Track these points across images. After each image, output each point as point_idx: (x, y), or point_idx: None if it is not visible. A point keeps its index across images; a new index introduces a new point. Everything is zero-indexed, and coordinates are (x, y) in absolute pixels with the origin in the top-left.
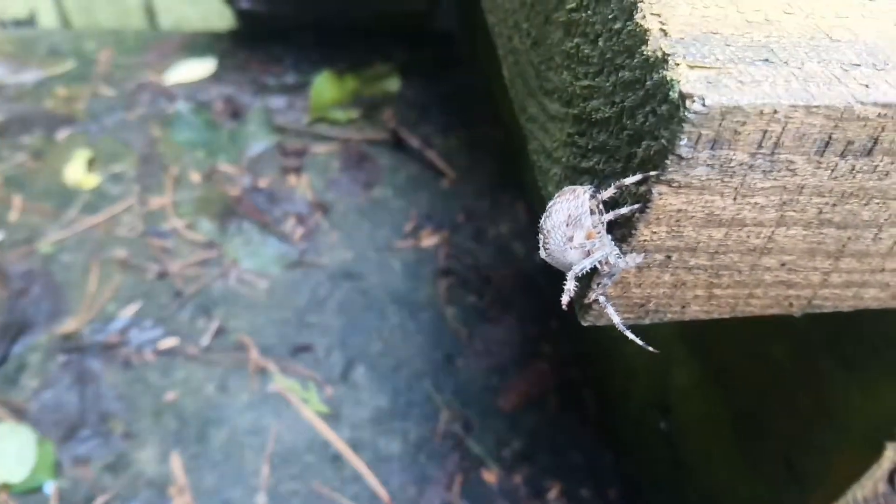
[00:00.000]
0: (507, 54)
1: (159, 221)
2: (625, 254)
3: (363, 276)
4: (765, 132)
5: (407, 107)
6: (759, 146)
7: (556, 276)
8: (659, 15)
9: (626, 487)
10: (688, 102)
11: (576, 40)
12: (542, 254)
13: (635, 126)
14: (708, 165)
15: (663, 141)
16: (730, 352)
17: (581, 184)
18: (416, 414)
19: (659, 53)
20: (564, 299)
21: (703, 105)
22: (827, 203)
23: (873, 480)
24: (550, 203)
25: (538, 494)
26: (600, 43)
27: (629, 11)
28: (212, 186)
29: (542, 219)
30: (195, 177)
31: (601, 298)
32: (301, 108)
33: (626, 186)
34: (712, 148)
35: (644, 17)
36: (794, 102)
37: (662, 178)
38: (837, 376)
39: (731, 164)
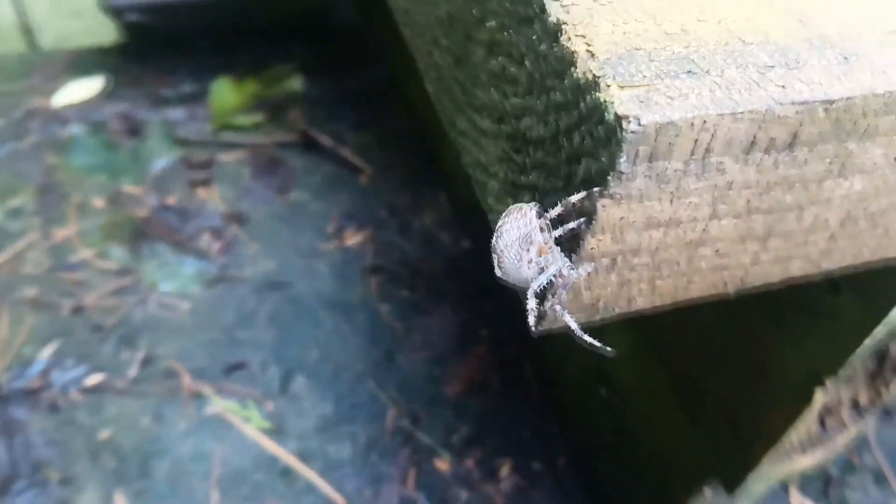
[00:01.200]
0: (429, 69)
1: (67, 254)
2: (575, 264)
3: (290, 284)
4: (696, 141)
5: (314, 106)
6: (692, 154)
7: (485, 261)
8: (584, 36)
9: (575, 456)
10: (624, 123)
11: (501, 60)
12: (498, 273)
13: (573, 146)
14: (646, 177)
15: (604, 160)
16: (664, 318)
17: (525, 200)
18: (363, 415)
19: (589, 76)
20: (531, 320)
21: (639, 125)
22: (754, 194)
23: (806, 424)
24: (499, 223)
25: (491, 474)
26: (527, 64)
27: (554, 34)
28: (118, 210)
29: (494, 239)
30: (99, 202)
31: (557, 307)
32: (203, 117)
33: (572, 203)
34: (649, 161)
35: (569, 39)
36: (721, 111)
37: (605, 192)
38: (768, 334)
39: (667, 173)
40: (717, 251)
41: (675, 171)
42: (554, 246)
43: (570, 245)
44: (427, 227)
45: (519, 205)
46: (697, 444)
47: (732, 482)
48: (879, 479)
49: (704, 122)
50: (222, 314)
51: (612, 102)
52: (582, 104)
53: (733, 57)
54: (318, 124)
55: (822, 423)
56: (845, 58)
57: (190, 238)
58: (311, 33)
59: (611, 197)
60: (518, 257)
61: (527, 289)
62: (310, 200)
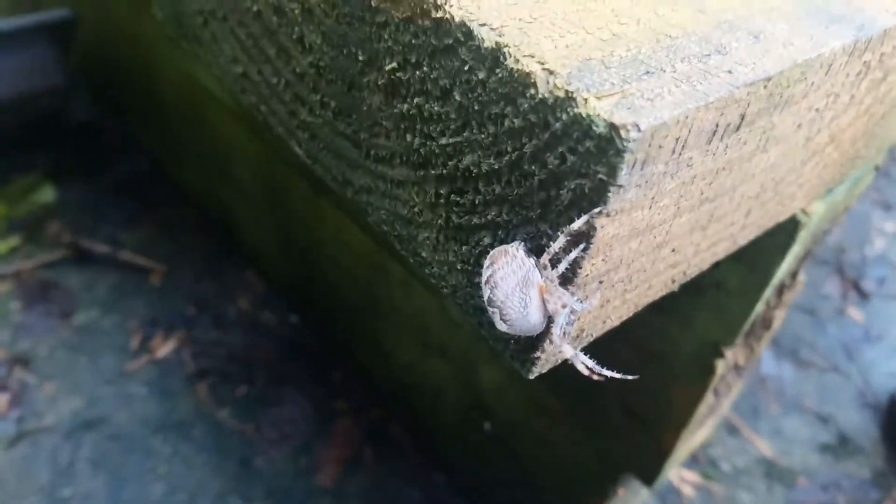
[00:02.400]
0: (294, 130)
1: None
2: (581, 296)
3: (105, 418)
4: (677, 138)
5: (75, 213)
6: (672, 152)
7: (320, 330)
8: (533, 56)
9: (470, 498)
10: (622, 132)
11: (414, 101)
12: (503, 327)
13: (548, 170)
14: (637, 186)
15: (601, 176)
16: None
17: (484, 241)
18: None
19: (559, 93)
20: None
21: (639, 131)
22: (706, 183)
23: (706, 396)
24: (487, 274)
25: None
26: (456, 97)
27: (493, 59)
28: None
29: (488, 292)
30: None
31: (566, 346)
32: None
33: (574, 231)
34: (642, 168)
35: (517, 60)
36: (697, 104)
37: (603, 211)
38: (653, 320)
39: (653, 177)
40: (673, 250)
41: (659, 174)
42: (556, 281)
43: (564, 276)
44: (245, 312)
45: (502, 248)
46: (600, 445)
47: (650, 474)
48: (732, 430)
49: (686, 117)
50: (35, 475)
51: (598, 114)
52: (555, 123)
53: (672, 52)
54: (85, 232)
55: (715, 392)
56: (755, 37)
57: None
58: (47, 137)
59: (608, 215)
60: (523, 304)
61: (532, 336)
62: (100, 318)
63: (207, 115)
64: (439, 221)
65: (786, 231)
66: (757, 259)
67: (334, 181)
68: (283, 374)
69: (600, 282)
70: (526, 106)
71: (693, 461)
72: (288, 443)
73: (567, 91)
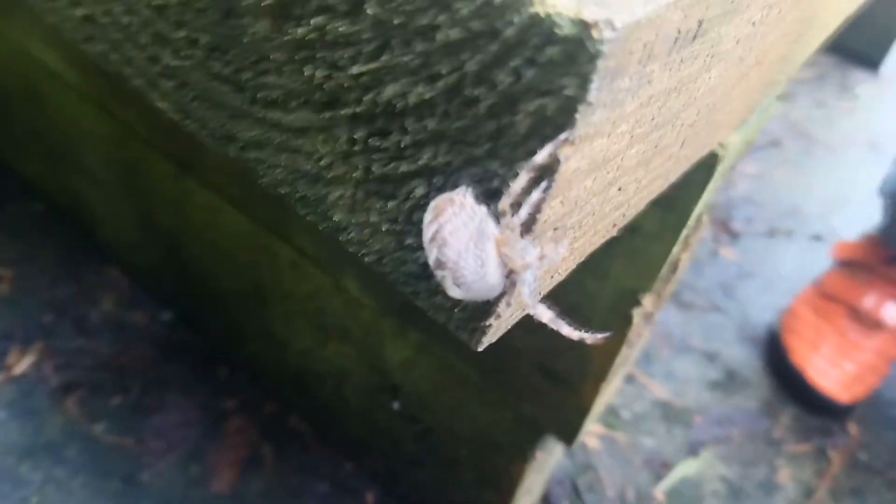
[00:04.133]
0: (157, 80)
1: None
2: (545, 245)
3: None
4: (645, 44)
5: None
6: (639, 62)
7: (198, 325)
8: None
9: (383, 482)
10: (594, 33)
11: (313, 22)
12: (457, 293)
13: (498, 91)
14: (604, 106)
15: (568, 91)
16: None
17: (416, 192)
18: None
19: None
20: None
21: (614, 30)
22: (658, 106)
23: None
24: (432, 229)
25: None
26: (368, 10)
27: None
28: None
29: (435, 252)
30: None
31: (543, 309)
32: None
33: (538, 165)
34: (612, 81)
35: None
36: (666, 1)
37: (570, 138)
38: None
39: (619, 95)
40: (619, 188)
41: (624, 90)
42: (517, 230)
43: (524, 224)
44: (111, 314)
45: (447, 197)
46: (522, 412)
47: (570, 433)
48: (629, 378)
49: (658, 16)
50: None
51: (561, 13)
52: (506, 29)
53: None
54: None
55: (628, 341)
56: None
57: None
58: None
59: (573, 143)
60: (479, 262)
61: (491, 299)
62: None
63: (47, 95)
64: (356, 174)
65: (705, 166)
66: (674, 198)
67: (211, 138)
68: (161, 377)
69: (555, 228)
70: (465, 11)
71: None
72: (175, 451)
73: None
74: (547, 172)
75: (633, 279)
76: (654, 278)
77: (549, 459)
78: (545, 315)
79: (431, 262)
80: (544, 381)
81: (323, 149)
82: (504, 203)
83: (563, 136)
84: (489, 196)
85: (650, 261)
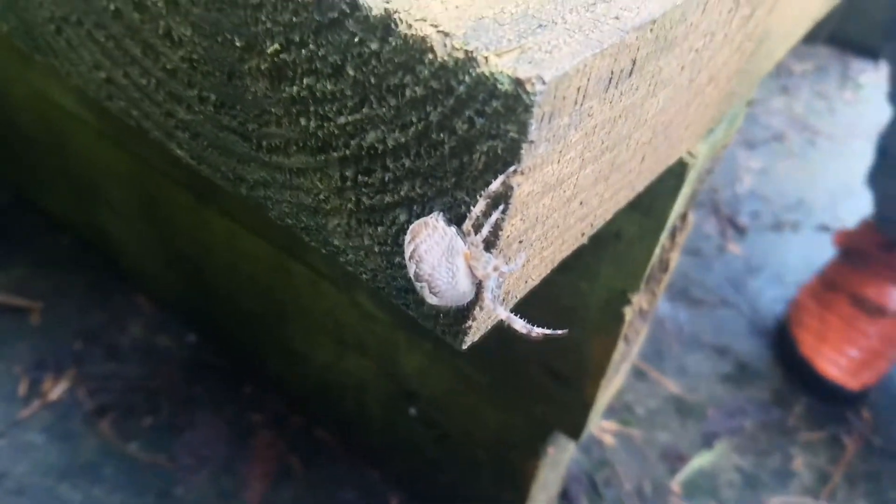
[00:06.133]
0: (173, 132)
1: None
2: (506, 257)
3: (5, 473)
4: (578, 88)
5: None
6: (575, 103)
7: (222, 345)
8: (425, 19)
9: (407, 487)
10: (528, 87)
11: (304, 82)
12: (433, 300)
13: (457, 136)
14: (546, 140)
15: (512, 135)
16: None
17: (399, 219)
18: None
19: (459, 55)
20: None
21: (544, 83)
22: (606, 132)
23: (619, 343)
24: (410, 248)
25: None
26: (349, 73)
27: (384, 27)
28: None
29: (413, 267)
30: None
31: (500, 309)
32: None
33: (492, 193)
34: (549, 122)
35: (410, 26)
36: (593, 52)
37: (518, 170)
38: (562, 279)
39: (560, 131)
40: (581, 202)
41: (564, 126)
42: (480, 246)
43: (487, 240)
44: (139, 339)
45: (421, 221)
46: (530, 411)
47: (576, 428)
48: (641, 375)
49: (585, 65)
50: None
51: (502, 72)
52: (459, 87)
53: (559, 4)
54: None
55: (625, 338)
56: None
57: None
58: None
59: (522, 173)
60: (451, 274)
61: (463, 305)
62: None
63: (68, 136)
64: (349, 206)
65: (674, 174)
66: (651, 205)
67: (225, 180)
68: (189, 397)
69: (520, 241)
70: (426, 73)
71: (610, 410)
72: (207, 466)
73: (466, 51)
74: (503, 198)
75: (621, 280)
76: (641, 278)
77: (563, 455)
78: (503, 314)
79: (411, 275)
80: (549, 382)
81: (320, 185)
82: (467, 225)
83: (511, 169)
84: (458, 219)
85: (635, 262)
